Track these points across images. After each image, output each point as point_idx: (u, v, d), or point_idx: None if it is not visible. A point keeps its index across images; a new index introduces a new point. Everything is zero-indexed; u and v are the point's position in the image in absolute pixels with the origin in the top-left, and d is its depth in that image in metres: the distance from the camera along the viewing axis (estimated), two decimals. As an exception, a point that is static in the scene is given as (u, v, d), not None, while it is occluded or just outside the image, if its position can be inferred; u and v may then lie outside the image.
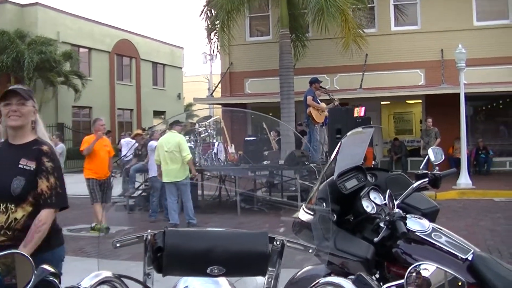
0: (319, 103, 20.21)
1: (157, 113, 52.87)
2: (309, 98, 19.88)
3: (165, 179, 14.56)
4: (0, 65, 35.69)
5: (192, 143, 18.45)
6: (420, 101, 29.34)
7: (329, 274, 3.89)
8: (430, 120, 24.20)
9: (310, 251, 2.49)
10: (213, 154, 18.24)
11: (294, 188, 17.62)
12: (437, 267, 2.32)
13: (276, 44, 25.71)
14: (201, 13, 26.70)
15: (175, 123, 15.97)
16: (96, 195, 14.50)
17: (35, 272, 2.07)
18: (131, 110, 50.15)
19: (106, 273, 2.18)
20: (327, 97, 21.32)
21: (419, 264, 2.33)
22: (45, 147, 4.66)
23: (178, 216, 14.48)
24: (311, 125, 20.19)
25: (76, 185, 23.81)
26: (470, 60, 23.24)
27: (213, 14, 26.42)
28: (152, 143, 16.24)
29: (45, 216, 4.44)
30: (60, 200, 4.60)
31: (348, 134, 4.43)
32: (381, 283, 3.85)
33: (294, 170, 17.68)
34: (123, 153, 23.59)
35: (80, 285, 2.06)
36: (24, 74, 35.75)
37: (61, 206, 4.65)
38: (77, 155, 38.80)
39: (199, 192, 18.29)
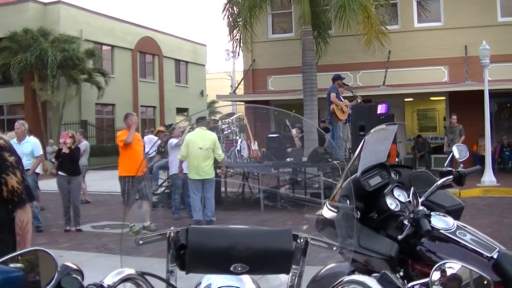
0: (342, 100, 20.17)
1: (180, 110, 52.99)
2: (333, 95, 19.84)
3: (194, 176, 14.36)
4: (24, 63, 35.94)
5: (215, 140, 18.52)
6: (443, 98, 29.19)
7: (352, 272, 3.87)
8: (454, 117, 24.12)
9: (334, 248, 2.48)
10: (236, 151, 18.28)
11: (317, 185, 17.60)
12: (462, 265, 2.30)
13: (299, 41, 25.66)
14: (223, 10, 26.67)
15: (202, 119, 15.95)
16: (130, 195, 14.15)
17: (58, 269, 2.07)
18: (154, 107, 50.33)
19: (129, 271, 2.18)
20: (350, 94, 21.28)
21: (444, 263, 2.31)
22: (1, 141, 4.53)
23: (201, 213, 14.45)
24: (334, 122, 20.16)
25: (99, 182, 23.96)
26: (494, 57, 23.11)
27: (235, 11, 26.39)
28: (172, 141, 16.20)
29: (25, 214, 4.39)
30: (29, 193, 4.55)
31: (372, 131, 4.40)
32: (405, 281, 3.84)
33: (317, 167, 17.65)
34: (146, 150, 23.68)
35: (103, 282, 2.06)
36: (47, 72, 36.00)
37: (32, 199, 4.59)
38: (100, 152, 39.15)
39: (222, 189, 18.32)
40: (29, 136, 15.68)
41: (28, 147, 15.26)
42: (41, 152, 15.85)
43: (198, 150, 14.09)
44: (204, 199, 14.64)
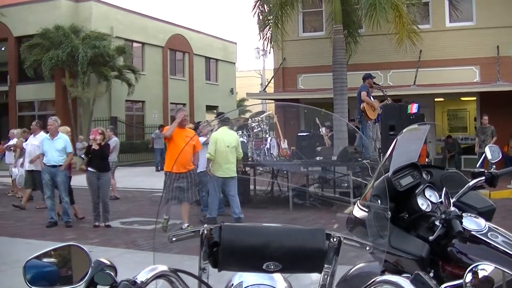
0: (372, 100, 20.14)
1: (210, 108, 53.12)
2: (364, 93, 19.82)
3: (221, 174, 14.40)
4: (55, 60, 36.23)
5: (245, 138, 18.53)
6: (474, 98, 29.01)
7: (383, 272, 3.87)
8: (486, 117, 23.97)
9: (367, 248, 2.48)
10: (265, 149, 18.29)
11: (346, 184, 17.57)
12: (495, 267, 2.29)
13: (329, 39, 25.68)
14: (254, 8, 26.69)
15: (226, 119, 15.99)
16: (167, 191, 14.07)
17: (92, 264, 2.09)
18: (184, 104, 50.42)
19: (162, 267, 2.19)
20: (381, 93, 21.24)
21: (478, 265, 2.30)
22: None
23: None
24: (364, 121, 20.14)
25: (129, 179, 24.09)
26: (526, 57, 22.98)
27: (266, 9, 26.42)
28: (201, 139, 16.23)
29: None
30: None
31: (404, 130, 4.39)
32: (436, 283, 3.83)
33: (346, 166, 17.62)
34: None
35: (136, 278, 2.07)
36: (78, 69, 36.28)
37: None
38: (130, 149, 39.38)
39: (251, 187, 18.35)
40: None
41: (61, 143, 15.53)
42: (72, 149, 16.13)
43: (225, 148, 14.13)
44: (229, 197, 14.67)
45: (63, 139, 15.71)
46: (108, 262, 2.11)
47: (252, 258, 2.27)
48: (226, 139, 14.15)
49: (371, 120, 20.08)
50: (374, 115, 20.03)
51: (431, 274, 3.95)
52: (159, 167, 30.62)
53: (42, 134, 17.82)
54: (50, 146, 15.59)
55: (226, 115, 21.47)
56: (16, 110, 42.84)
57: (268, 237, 2.30)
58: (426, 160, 19.29)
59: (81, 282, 2.10)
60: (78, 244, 2.21)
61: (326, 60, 25.80)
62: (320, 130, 21.88)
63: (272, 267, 2.25)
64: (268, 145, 18.53)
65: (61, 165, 15.41)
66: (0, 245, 13.09)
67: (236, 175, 14.54)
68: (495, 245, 3.81)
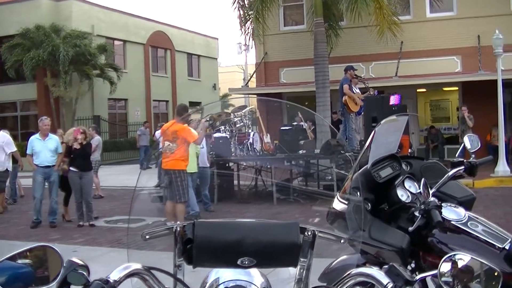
0: (355, 92, 20.18)
1: (193, 104, 52.93)
2: (346, 86, 19.86)
3: (193, 170, 14.42)
4: (36, 60, 36.10)
5: (228, 133, 18.50)
6: (456, 88, 29.14)
7: (364, 264, 3.87)
8: (464, 108, 24.18)
9: (342, 241, 2.46)
10: (248, 144, 18.28)
11: (330, 177, 17.59)
12: (472, 257, 2.28)
13: (310, 33, 25.71)
14: (234, 3, 26.66)
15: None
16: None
17: (64, 264, 2.07)
18: (167, 101, 50.42)
19: (136, 265, 2.17)
20: (363, 86, 21.29)
21: (454, 255, 2.30)
22: None
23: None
24: (346, 114, 20.19)
25: (113, 177, 24.03)
26: (507, 46, 23.04)
27: (246, 4, 26.42)
28: None
29: None
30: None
31: (382, 122, 4.39)
32: (416, 273, 3.84)
33: (330, 159, 17.65)
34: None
35: (109, 277, 2.05)
36: (59, 68, 36.16)
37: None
38: (113, 147, 39.34)
39: (235, 182, 18.35)
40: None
41: (53, 144, 15.49)
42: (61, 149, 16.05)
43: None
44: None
45: (54, 139, 15.67)
46: (80, 262, 2.09)
47: (226, 254, 2.25)
48: None
49: (354, 112, 20.11)
50: (357, 107, 20.06)
51: (412, 265, 3.95)
52: (144, 165, 30.51)
53: (2, 134, 17.82)
54: (42, 146, 15.48)
55: (207, 106, 21.43)
56: (-3, 111, 42.69)
57: (242, 233, 2.29)
58: (409, 150, 19.38)
59: (53, 283, 2.07)
60: (49, 244, 2.19)
61: (308, 53, 25.83)
62: (304, 123, 21.91)
63: (246, 262, 2.24)
64: (251, 140, 18.53)
65: (54, 165, 15.38)
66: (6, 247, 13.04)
67: (196, 170, 14.63)
68: (475, 234, 3.82)
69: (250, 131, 19.58)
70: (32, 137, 15.92)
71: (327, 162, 18.09)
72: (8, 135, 18.48)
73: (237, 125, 19.21)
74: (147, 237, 2.36)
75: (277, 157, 17.96)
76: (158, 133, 17.46)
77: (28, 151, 15.66)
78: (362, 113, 20.43)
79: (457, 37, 27.52)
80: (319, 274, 4.28)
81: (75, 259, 2.10)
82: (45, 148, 15.39)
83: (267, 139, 19.30)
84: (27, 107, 42.00)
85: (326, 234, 2.41)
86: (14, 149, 18.02)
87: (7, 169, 17.99)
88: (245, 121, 19.61)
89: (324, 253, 2.38)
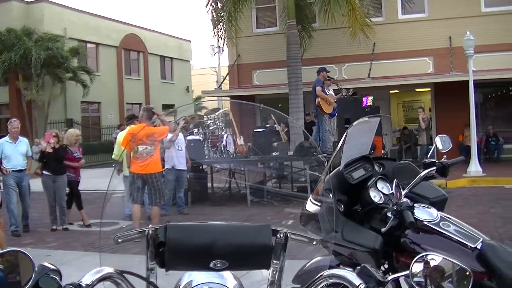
0: (327, 94, 20.21)
1: (166, 107, 52.96)
2: (318, 88, 19.88)
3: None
4: (8, 63, 35.86)
5: (201, 135, 18.47)
6: (429, 89, 29.30)
7: (338, 265, 3.88)
8: (420, 109, 25.08)
9: (314, 243, 2.47)
10: (222, 147, 18.27)
11: (303, 179, 17.63)
12: (443, 258, 2.30)
13: (283, 35, 25.74)
14: (207, 5, 26.63)
15: (134, 117, 15.99)
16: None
17: (35, 269, 2.07)
18: (140, 104, 50.25)
19: (108, 269, 2.16)
20: (336, 87, 21.33)
21: (426, 255, 2.31)
22: None
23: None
24: (320, 116, 20.22)
25: (87, 180, 23.90)
26: (478, 47, 23.23)
27: (219, 5, 26.39)
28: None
29: None
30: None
31: (354, 123, 4.42)
32: (389, 273, 3.86)
33: (303, 161, 17.68)
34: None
35: (81, 282, 2.05)
36: (32, 71, 35.90)
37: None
38: (87, 150, 39.03)
39: (209, 184, 18.33)
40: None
41: (24, 147, 15.14)
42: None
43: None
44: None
45: (25, 142, 15.35)
46: (52, 266, 2.10)
47: (198, 257, 2.26)
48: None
49: (327, 114, 20.15)
50: (330, 109, 20.09)
51: (386, 266, 3.98)
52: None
53: None
54: (13, 150, 15.12)
55: (180, 109, 21.41)
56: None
57: (214, 235, 2.29)
58: (382, 152, 19.45)
59: (26, 287, 2.06)
60: (20, 249, 2.18)
61: (281, 55, 25.84)
62: (277, 125, 21.94)
63: (219, 265, 2.24)
64: (224, 142, 18.51)
65: (25, 169, 15.14)
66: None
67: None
68: (447, 235, 3.86)
69: (223, 133, 19.56)
70: (1, 140, 15.18)
71: (301, 164, 18.14)
72: None
73: (211, 128, 19.20)
74: (119, 240, 2.36)
75: (250, 159, 17.97)
76: (121, 134, 17.08)
77: None
78: (336, 115, 20.47)
79: (429, 38, 27.67)
80: (293, 276, 4.29)
81: (46, 264, 2.10)
82: (16, 151, 15.02)
83: (240, 141, 19.30)
84: (-1, 111, 41.79)
85: (298, 236, 2.42)
86: None
87: None
88: (218, 124, 19.60)
89: (298, 255, 2.39)
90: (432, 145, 25.06)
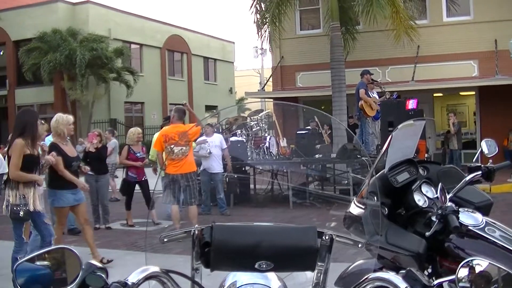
0: (371, 96, 20.14)
1: (209, 108, 53.13)
2: (362, 91, 19.84)
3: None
4: (54, 63, 36.35)
5: (244, 137, 18.51)
6: (473, 92, 28.97)
7: (380, 269, 3.86)
8: (451, 114, 24.77)
9: (360, 245, 2.46)
10: (265, 148, 18.29)
11: (346, 181, 17.58)
12: (489, 263, 2.28)
13: (327, 37, 25.66)
14: (251, 7, 26.67)
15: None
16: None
17: (82, 267, 2.09)
18: (184, 104, 50.46)
19: (154, 268, 2.18)
20: (380, 90, 21.23)
21: (472, 260, 2.29)
22: None
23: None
24: (363, 118, 20.16)
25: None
26: (524, 50, 22.95)
27: (263, 7, 26.41)
28: (201, 139, 16.06)
29: None
30: None
31: (399, 126, 4.39)
32: (433, 278, 3.83)
33: (346, 163, 17.62)
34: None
35: (127, 280, 2.07)
36: (76, 71, 36.35)
37: None
38: (129, 151, 39.32)
39: (251, 186, 18.35)
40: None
41: None
42: None
43: None
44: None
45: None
46: (99, 264, 2.12)
47: (244, 258, 2.26)
48: None
49: (370, 117, 20.07)
50: (373, 112, 20.03)
51: (429, 270, 3.95)
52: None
53: None
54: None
55: (224, 111, 21.46)
56: (16, 114, 42.86)
57: (260, 236, 2.30)
58: (426, 155, 19.28)
59: (72, 285, 2.09)
60: (69, 247, 2.21)
61: (324, 57, 25.77)
62: (320, 127, 21.90)
63: (264, 266, 2.25)
64: (267, 144, 18.53)
65: None
66: (2, 248, 13.05)
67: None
68: (492, 240, 3.81)
69: (266, 135, 19.59)
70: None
71: (343, 167, 18.08)
72: None
73: (254, 129, 19.23)
74: (165, 240, 2.38)
75: (293, 161, 17.95)
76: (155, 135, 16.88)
77: None
78: (380, 117, 20.37)
79: (474, 41, 27.39)
80: (335, 279, 4.28)
81: (93, 262, 2.12)
82: (79, 149, 15.24)
83: (283, 143, 19.30)
84: (44, 110, 42.14)
85: (343, 239, 2.41)
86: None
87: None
88: (261, 125, 19.63)
89: (340, 258, 2.38)
90: (461, 150, 25.08)
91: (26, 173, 8.74)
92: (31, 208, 8.78)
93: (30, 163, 8.86)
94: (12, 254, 9.20)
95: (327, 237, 2.33)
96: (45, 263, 2.19)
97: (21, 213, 8.79)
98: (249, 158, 17.80)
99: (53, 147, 10.40)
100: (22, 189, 8.72)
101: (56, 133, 10.70)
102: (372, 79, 20.89)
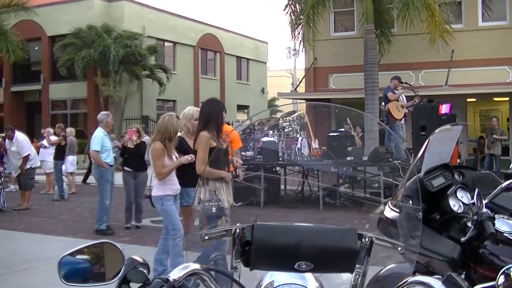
0: (398, 100, 20.12)
1: (241, 107, 53.22)
2: (390, 94, 19.83)
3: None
4: (88, 59, 36.65)
5: (276, 137, 18.52)
6: (507, 98, 28.77)
7: (413, 273, 3.85)
8: (495, 119, 24.14)
9: (399, 249, 2.46)
10: (296, 149, 18.28)
11: (377, 185, 17.51)
12: (527, 270, 2.27)
13: (361, 39, 25.61)
14: (285, 8, 26.70)
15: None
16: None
17: (125, 262, 2.12)
18: (217, 103, 50.60)
19: (195, 266, 2.20)
20: (412, 94, 21.15)
21: (510, 267, 2.29)
22: None
23: None
24: (391, 122, 20.08)
25: (160, 177, 24.08)
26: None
27: (298, 9, 26.42)
28: None
29: None
30: None
31: (436, 131, 4.37)
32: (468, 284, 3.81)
33: (377, 166, 17.57)
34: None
35: (169, 276, 2.09)
36: (110, 68, 36.62)
37: None
38: (161, 148, 39.46)
39: (282, 186, 18.36)
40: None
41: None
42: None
43: None
44: None
45: None
46: (141, 260, 2.14)
47: (284, 258, 2.27)
48: None
49: (398, 120, 20.01)
50: (400, 115, 19.96)
51: (463, 276, 3.93)
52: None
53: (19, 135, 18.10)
54: (110, 143, 15.37)
55: (256, 117, 21.49)
56: (49, 108, 43.37)
57: (300, 237, 2.30)
58: (458, 161, 19.17)
59: (114, 279, 2.13)
60: (112, 242, 2.24)
61: (358, 60, 25.73)
62: (353, 130, 21.85)
63: (304, 266, 2.25)
64: (299, 145, 18.52)
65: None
66: (33, 242, 13.17)
67: None
68: (528, 247, 3.79)
69: (298, 136, 19.57)
70: (99, 133, 14.52)
71: (374, 170, 18.02)
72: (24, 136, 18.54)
73: (285, 130, 19.23)
74: (206, 238, 2.40)
75: (324, 162, 17.93)
76: None
77: (97, 148, 14.35)
78: (404, 122, 20.35)
79: (508, 46, 27.21)
80: (368, 281, 4.27)
81: (136, 257, 2.15)
82: (111, 145, 15.25)
83: (315, 144, 19.27)
84: (77, 105, 42.61)
85: (383, 241, 2.42)
86: (28, 152, 18.13)
87: (30, 166, 18.11)
88: (293, 126, 19.62)
89: (371, 261, 2.39)
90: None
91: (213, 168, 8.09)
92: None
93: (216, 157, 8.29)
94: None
95: (367, 239, 2.34)
96: (85, 257, 2.25)
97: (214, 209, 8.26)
98: (280, 159, 17.81)
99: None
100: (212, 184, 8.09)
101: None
102: (405, 83, 20.83)
